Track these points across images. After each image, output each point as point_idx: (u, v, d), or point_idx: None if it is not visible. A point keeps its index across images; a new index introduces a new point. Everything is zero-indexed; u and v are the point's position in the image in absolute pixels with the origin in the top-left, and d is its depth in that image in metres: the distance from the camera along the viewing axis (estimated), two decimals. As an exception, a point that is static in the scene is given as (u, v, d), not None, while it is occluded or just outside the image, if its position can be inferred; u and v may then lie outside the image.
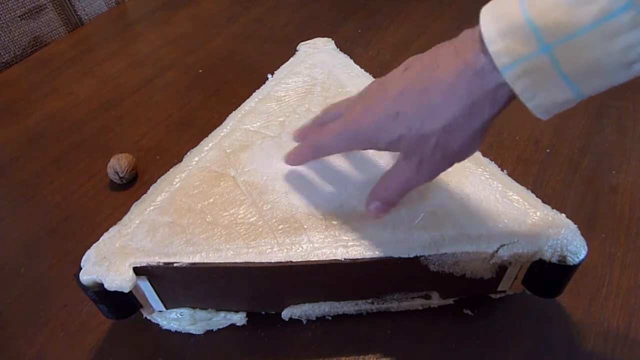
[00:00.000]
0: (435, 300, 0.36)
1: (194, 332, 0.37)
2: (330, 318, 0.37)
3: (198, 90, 0.61)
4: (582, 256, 0.31)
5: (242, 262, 0.31)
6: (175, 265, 0.31)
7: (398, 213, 0.33)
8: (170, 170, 0.38)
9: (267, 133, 0.40)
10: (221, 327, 0.37)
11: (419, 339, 0.36)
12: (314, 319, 0.37)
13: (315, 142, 0.34)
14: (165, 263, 0.31)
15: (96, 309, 0.40)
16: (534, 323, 0.36)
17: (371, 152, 0.38)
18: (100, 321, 0.39)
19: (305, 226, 0.33)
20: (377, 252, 0.31)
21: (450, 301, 0.37)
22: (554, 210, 0.34)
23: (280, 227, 0.33)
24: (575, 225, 0.33)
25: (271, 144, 0.39)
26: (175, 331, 0.37)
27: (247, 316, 0.36)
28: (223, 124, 0.42)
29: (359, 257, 0.31)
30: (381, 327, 0.37)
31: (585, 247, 0.32)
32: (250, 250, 0.32)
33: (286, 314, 0.36)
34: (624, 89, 0.53)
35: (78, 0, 0.79)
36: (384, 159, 0.37)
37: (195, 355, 0.36)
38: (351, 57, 0.49)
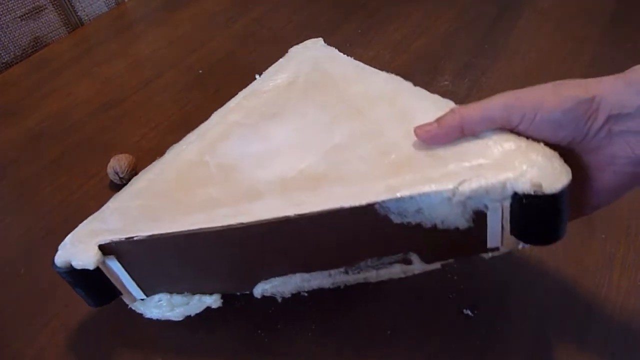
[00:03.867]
0: (418, 265, 0.33)
1: (174, 319, 0.37)
2: (306, 294, 0.35)
3: (198, 91, 0.61)
4: (563, 183, 0.27)
5: (194, 229, 0.31)
6: (135, 238, 0.32)
7: (358, 168, 0.32)
8: (152, 164, 0.38)
9: (247, 122, 0.40)
10: (198, 311, 0.36)
11: (419, 339, 0.36)
12: (288, 295, 0.35)
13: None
14: (126, 238, 0.32)
15: (96, 309, 0.40)
16: (533, 323, 0.36)
17: (341, 124, 0.37)
18: (101, 321, 0.39)
19: (263, 192, 0.33)
20: (327, 204, 0.30)
21: (437, 265, 0.33)
22: (530, 140, 0.30)
23: (239, 197, 0.33)
24: (554, 152, 0.29)
25: (247, 131, 0.39)
26: (157, 319, 0.37)
27: (221, 298, 0.36)
28: (208, 120, 0.42)
29: (308, 211, 0.30)
30: (381, 327, 0.37)
31: (568, 173, 0.28)
32: (206, 219, 0.32)
33: (257, 291, 0.35)
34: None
35: (78, 0, 0.79)
36: (345, 131, 0.36)
37: (195, 353, 0.36)
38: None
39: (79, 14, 0.79)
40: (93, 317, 0.39)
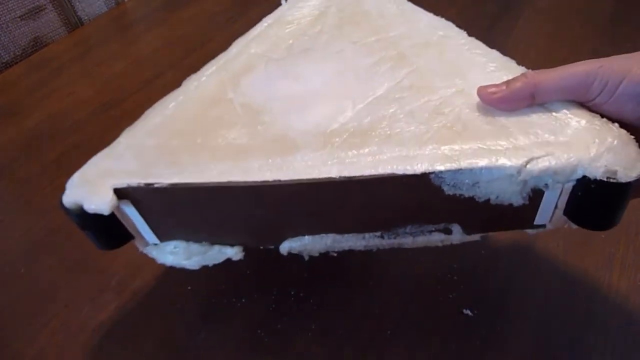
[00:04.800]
0: (458, 235, 0.31)
1: (189, 267, 0.34)
2: (335, 254, 0.33)
3: (198, 91, 0.61)
4: (638, 171, 0.25)
5: (224, 182, 0.28)
6: (155, 185, 0.28)
7: (407, 127, 0.29)
8: (167, 95, 0.35)
9: (273, 56, 0.36)
10: (216, 262, 0.34)
11: (419, 339, 0.36)
12: (317, 254, 0.33)
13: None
14: (146, 184, 0.28)
15: (96, 309, 0.40)
16: (534, 323, 0.36)
17: (384, 70, 0.33)
18: (101, 321, 0.39)
19: (300, 144, 0.29)
20: (378, 169, 0.27)
21: (477, 237, 0.31)
22: (604, 119, 0.27)
23: (272, 147, 0.29)
24: (630, 136, 0.26)
25: (275, 67, 0.35)
26: (170, 266, 0.34)
27: (243, 250, 0.33)
28: (228, 49, 0.38)
29: (356, 174, 0.27)
30: (381, 327, 0.37)
31: None
32: (235, 170, 0.28)
33: (284, 247, 0.32)
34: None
35: (78, 0, 0.79)
36: (394, 79, 0.33)
37: (195, 353, 0.36)
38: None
39: (79, 14, 0.79)
40: (93, 317, 0.39)
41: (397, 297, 0.39)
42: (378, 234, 0.31)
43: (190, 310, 0.39)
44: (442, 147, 0.27)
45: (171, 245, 0.33)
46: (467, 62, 0.32)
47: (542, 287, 0.38)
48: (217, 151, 0.30)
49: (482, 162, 0.26)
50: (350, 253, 0.33)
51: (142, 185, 0.28)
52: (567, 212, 0.28)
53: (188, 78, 0.36)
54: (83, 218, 0.30)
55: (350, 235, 0.31)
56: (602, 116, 0.27)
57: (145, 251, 0.34)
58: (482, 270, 0.40)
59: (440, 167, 0.26)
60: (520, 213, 0.28)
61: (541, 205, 0.28)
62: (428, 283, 0.39)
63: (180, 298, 0.40)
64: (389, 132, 0.29)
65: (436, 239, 0.31)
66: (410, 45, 0.34)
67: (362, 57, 0.34)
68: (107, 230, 0.31)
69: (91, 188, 0.29)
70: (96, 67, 0.68)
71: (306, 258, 0.33)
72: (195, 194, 0.29)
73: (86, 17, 0.81)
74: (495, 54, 0.33)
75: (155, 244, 0.33)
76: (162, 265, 0.42)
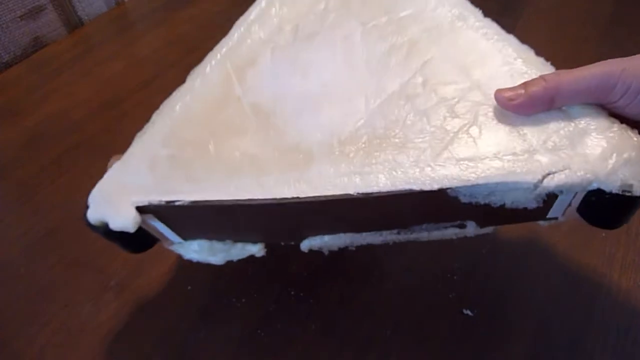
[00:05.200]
0: (472, 229, 0.31)
1: (214, 262, 0.34)
2: (353, 249, 0.33)
3: (198, 91, 0.61)
4: None
5: (244, 200, 0.28)
6: (176, 204, 0.29)
7: (422, 134, 0.29)
8: (173, 93, 0.35)
9: (278, 41, 0.35)
10: (241, 257, 0.34)
11: (419, 339, 0.36)
12: (336, 249, 0.33)
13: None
14: (166, 202, 0.29)
15: (96, 309, 0.40)
16: (533, 323, 0.36)
17: (396, 61, 0.32)
18: (101, 321, 0.39)
19: (315, 155, 0.29)
20: (395, 184, 0.27)
21: (490, 229, 0.31)
22: (624, 125, 0.27)
23: (287, 158, 0.29)
24: None
25: (282, 56, 0.34)
26: (196, 261, 0.35)
27: (265, 247, 0.34)
28: (229, 33, 0.37)
29: (373, 190, 0.27)
30: (381, 327, 0.37)
31: None
32: (253, 185, 0.28)
33: (305, 245, 0.32)
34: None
35: (78, 0, 0.79)
36: (405, 77, 0.32)
37: (195, 353, 0.36)
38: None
39: (79, 14, 0.79)
40: (93, 317, 0.39)
41: (397, 297, 0.39)
42: (395, 231, 0.31)
43: (190, 310, 0.39)
44: (458, 160, 0.27)
45: (195, 244, 0.33)
46: (483, 51, 0.31)
47: (542, 287, 0.38)
48: (232, 164, 0.30)
49: (498, 179, 0.26)
50: (350, 253, 0.33)
51: (163, 203, 0.29)
52: (580, 210, 0.28)
53: (192, 72, 0.36)
54: (109, 233, 0.30)
55: (368, 233, 0.31)
56: (623, 120, 0.27)
57: (171, 248, 0.34)
58: (482, 270, 0.40)
59: (456, 183, 0.26)
60: (534, 210, 0.28)
61: (555, 205, 0.28)
62: (428, 283, 0.39)
63: (180, 298, 0.40)
64: (403, 139, 0.29)
65: (451, 232, 0.31)
66: (423, 29, 0.33)
67: (373, 44, 0.33)
68: (134, 239, 0.31)
69: (114, 206, 0.29)
70: (96, 67, 0.68)
71: (326, 253, 0.33)
72: (215, 210, 0.29)
73: (86, 17, 0.80)
74: (512, 40, 0.31)
75: (180, 243, 0.34)
76: (162, 265, 0.42)
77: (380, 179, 0.27)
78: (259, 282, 0.40)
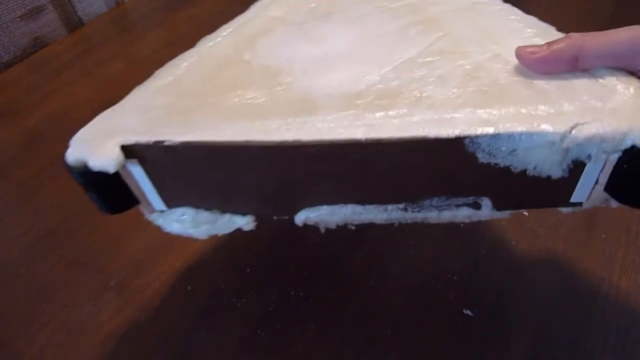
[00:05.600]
0: (487, 211, 0.28)
1: (197, 236, 0.32)
2: (353, 228, 0.31)
3: (198, 91, 0.61)
4: None
5: (240, 141, 0.26)
6: (165, 143, 0.26)
7: (439, 90, 0.27)
8: (180, 55, 0.34)
9: (293, 19, 0.35)
10: (226, 232, 0.32)
11: (419, 339, 0.36)
12: (333, 227, 0.30)
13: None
14: (155, 141, 0.27)
15: (96, 309, 0.40)
16: (534, 323, 0.36)
17: (413, 34, 0.31)
18: (101, 321, 0.39)
19: (321, 105, 0.27)
20: (408, 130, 0.25)
21: (507, 214, 0.29)
22: None
23: (292, 107, 0.27)
24: None
25: (295, 30, 0.34)
26: (176, 234, 0.32)
27: (255, 220, 0.31)
28: (245, 12, 0.37)
29: (384, 136, 0.25)
30: (381, 327, 0.37)
31: None
32: (253, 129, 0.26)
33: (300, 218, 0.30)
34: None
35: (78, 0, 0.79)
36: (420, 41, 0.31)
37: (195, 353, 0.36)
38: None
39: (79, 14, 0.79)
40: (93, 317, 0.39)
41: (397, 297, 0.39)
42: (402, 206, 0.28)
43: (190, 310, 0.39)
44: (478, 111, 0.25)
45: (179, 212, 0.31)
46: (503, 28, 0.30)
47: (542, 287, 0.38)
48: (232, 110, 0.28)
49: (522, 127, 0.24)
50: (351, 252, 0.33)
51: (151, 142, 0.27)
52: (608, 187, 0.26)
53: (203, 38, 0.35)
54: (87, 177, 0.28)
55: (372, 206, 0.29)
56: None
57: (150, 218, 0.32)
58: (482, 270, 0.40)
59: (476, 131, 0.24)
60: (557, 188, 0.26)
61: (581, 180, 0.26)
62: (428, 283, 0.39)
63: (180, 298, 0.40)
64: (419, 95, 0.27)
65: (464, 214, 0.28)
66: (441, 11, 0.32)
67: (389, 21, 0.32)
68: (112, 192, 0.29)
69: (97, 145, 0.27)
70: (96, 67, 0.68)
71: (322, 230, 0.30)
72: (207, 154, 0.27)
73: (86, 17, 0.81)
74: (533, 19, 0.31)
75: (162, 211, 0.31)
76: (162, 265, 0.42)
77: (392, 124, 0.25)
78: (258, 282, 0.40)
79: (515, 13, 0.31)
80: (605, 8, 0.69)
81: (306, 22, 0.34)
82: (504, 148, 0.24)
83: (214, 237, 0.33)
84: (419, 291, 0.39)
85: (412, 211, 0.29)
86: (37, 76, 0.68)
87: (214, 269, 0.34)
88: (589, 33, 0.26)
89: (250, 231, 0.31)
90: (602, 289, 0.38)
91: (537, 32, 0.29)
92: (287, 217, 0.30)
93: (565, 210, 0.28)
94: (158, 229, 0.32)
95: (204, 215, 0.31)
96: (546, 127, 0.24)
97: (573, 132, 0.23)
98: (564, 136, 0.24)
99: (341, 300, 0.39)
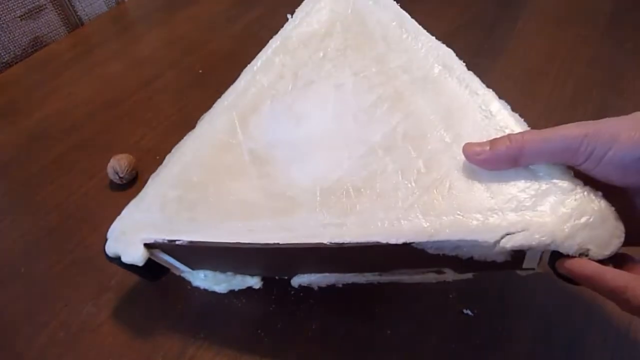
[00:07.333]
0: (450, 275, 0.33)
1: (219, 291, 0.37)
2: (340, 286, 0.36)
3: (198, 91, 0.61)
4: (612, 249, 0.25)
5: (233, 243, 0.32)
6: (177, 242, 0.33)
7: (396, 188, 0.31)
8: (184, 138, 0.38)
9: (279, 89, 0.38)
10: (241, 287, 0.37)
11: (419, 339, 0.36)
12: (324, 286, 0.36)
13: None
14: (169, 240, 0.33)
15: (96, 309, 0.40)
16: (534, 323, 0.36)
17: (381, 113, 0.35)
18: (101, 321, 0.39)
19: (300, 204, 0.32)
20: (366, 236, 0.29)
21: (469, 275, 0.33)
22: (587, 187, 0.27)
23: (275, 205, 0.32)
24: (611, 208, 0.26)
25: (280, 104, 0.37)
26: (203, 289, 0.38)
27: (262, 280, 0.37)
28: (238, 79, 0.40)
29: (344, 241, 0.29)
30: (381, 327, 0.37)
31: (621, 235, 0.25)
32: (245, 230, 0.32)
33: (295, 282, 0.36)
34: (622, 89, 0.53)
35: (78, 0, 0.79)
36: (389, 126, 0.34)
37: (195, 353, 0.36)
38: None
39: (79, 13, 0.79)
40: (93, 317, 0.39)
41: (397, 296, 0.39)
42: (377, 274, 0.34)
43: (190, 310, 0.39)
44: (425, 215, 0.29)
45: (201, 274, 0.38)
46: (462, 107, 0.33)
47: (542, 287, 0.38)
48: (228, 209, 0.33)
49: (459, 235, 0.27)
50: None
51: (166, 241, 0.33)
52: (550, 263, 0.28)
53: (202, 118, 0.39)
54: (125, 265, 0.34)
55: (351, 274, 0.35)
56: (590, 180, 0.27)
57: (181, 275, 0.39)
58: (482, 270, 0.40)
59: (419, 239, 0.28)
60: (507, 262, 0.29)
61: (525, 259, 0.29)
62: (428, 283, 0.39)
63: (180, 298, 0.40)
64: (377, 191, 0.31)
65: (431, 277, 0.33)
66: (409, 81, 0.35)
67: (362, 94, 0.36)
68: (147, 269, 0.35)
69: (126, 242, 0.34)
70: (96, 67, 0.68)
71: (315, 289, 0.36)
72: (211, 248, 0.33)
73: (86, 17, 0.80)
74: (490, 95, 0.33)
75: (189, 271, 0.38)
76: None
77: (352, 230, 0.30)
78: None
79: (477, 85, 0.33)
80: (605, 8, 0.69)
81: (289, 93, 0.38)
82: (448, 247, 0.28)
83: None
84: (419, 291, 0.39)
85: (386, 276, 0.34)
86: (37, 76, 0.68)
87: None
88: (528, 132, 0.28)
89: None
90: (602, 289, 0.38)
91: (493, 112, 0.32)
92: (287, 278, 0.37)
93: (521, 273, 0.31)
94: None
95: (221, 276, 0.37)
96: (479, 236, 0.27)
97: (502, 241, 0.27)
98: (495, 244, 0.27)
99: (341, 300, 0.39)
